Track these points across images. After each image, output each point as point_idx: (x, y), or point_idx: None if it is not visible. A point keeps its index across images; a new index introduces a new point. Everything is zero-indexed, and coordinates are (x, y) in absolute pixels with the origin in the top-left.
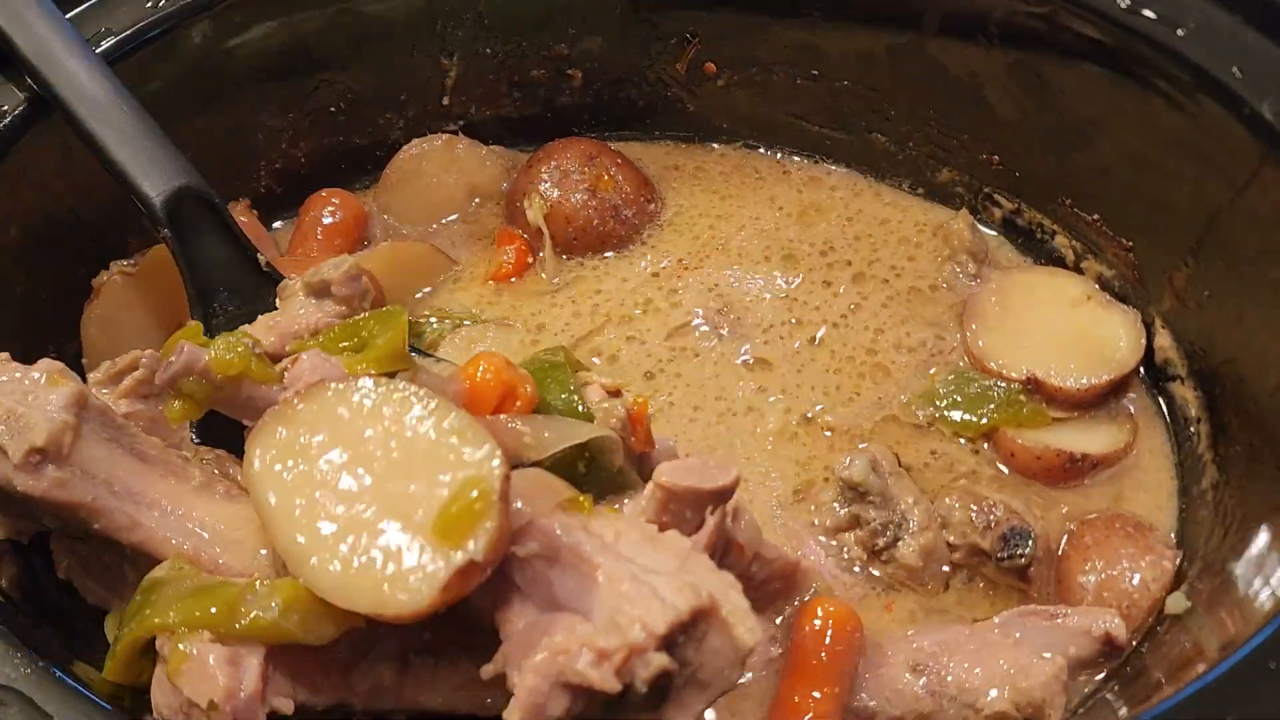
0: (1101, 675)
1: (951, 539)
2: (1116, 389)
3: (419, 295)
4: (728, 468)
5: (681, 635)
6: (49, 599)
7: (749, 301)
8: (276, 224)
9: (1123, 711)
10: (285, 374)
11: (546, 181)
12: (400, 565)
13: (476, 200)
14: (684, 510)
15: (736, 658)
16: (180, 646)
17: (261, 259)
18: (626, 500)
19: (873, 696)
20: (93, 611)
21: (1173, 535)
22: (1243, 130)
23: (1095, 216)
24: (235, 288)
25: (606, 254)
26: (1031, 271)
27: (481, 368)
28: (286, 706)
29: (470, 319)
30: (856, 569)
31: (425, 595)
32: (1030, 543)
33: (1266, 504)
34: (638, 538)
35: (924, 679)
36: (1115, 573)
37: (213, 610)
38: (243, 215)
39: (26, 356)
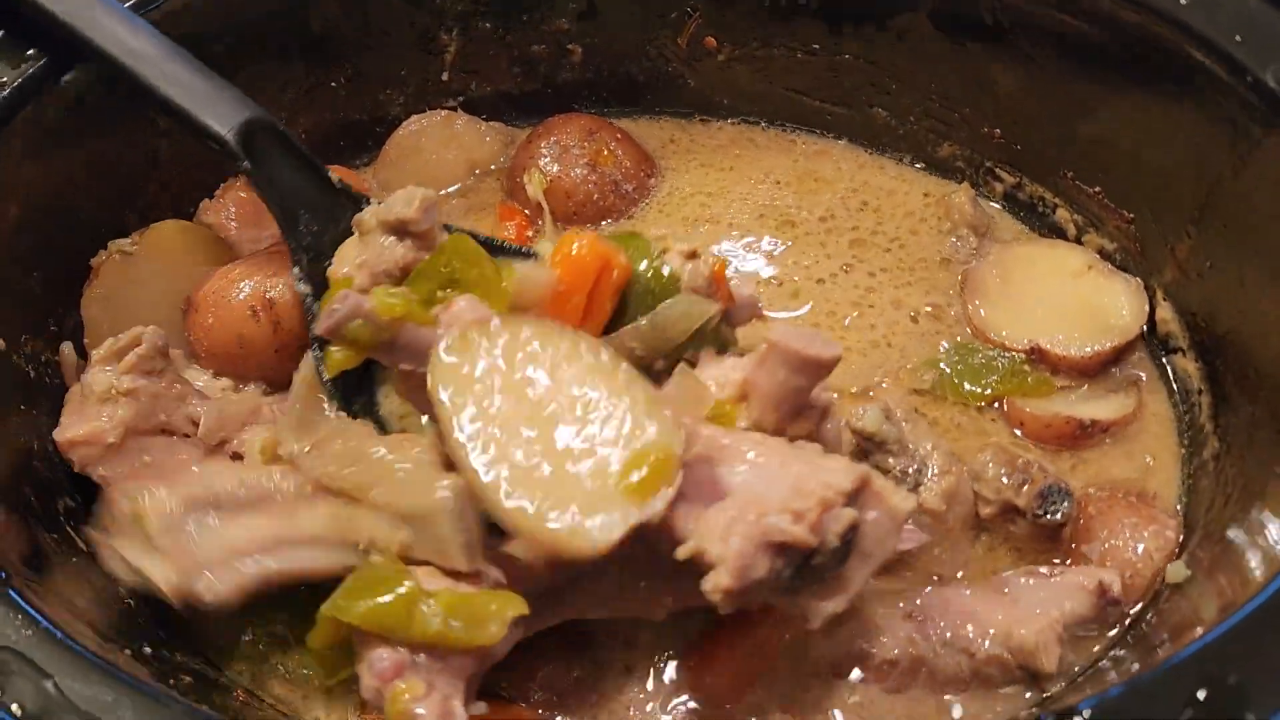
0: (1103, 642)
1: (986, 494)
2: (1121, 357)
3: None
4: (834, 343)
5: (850, 505)
6: (54, 567)
7: (744, 261)
8: None
9: (1125, 669)
10: (440, 317)
11: (546, 156)
12: (583, 516)
13: (476, 173)
14: (781, 371)
15: (894, 525)
16: (404, 706)
17: (333, 177)
18: (729, 357)
19: (867, 639)
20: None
21: (1178, 505)
22: (1245, 98)
23: (1097, 189)
24: (314, 208)
25: (605, 226)
26: (1032, 244)
27: (576, 245)
28: (481, 709)
29: None
30: None
31: (603, 544)
32: (1068, 501)
33: (1267, 473)
34: (779, 444)
35: (918, 624)
36: (1119, 543)
37: (390, 622)
38: (242, 191)
39: (27, 333)
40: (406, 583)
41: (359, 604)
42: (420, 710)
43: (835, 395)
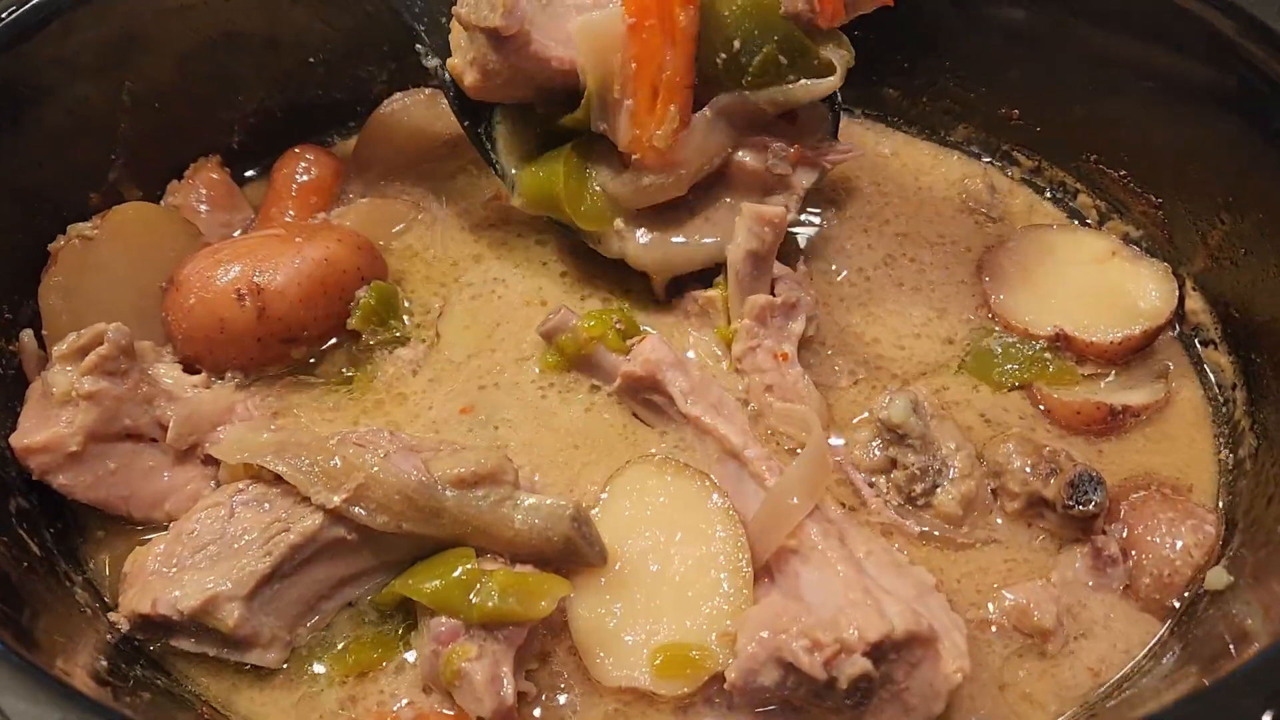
0: (1145, 651)
1: (1012, 487)
2: (1150, 344)
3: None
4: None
5: (894, 653)
6: (5, 575)
7: None
8: (249, 172)
9: (1172, 680)
10: (632, 348)
11: None
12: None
13: (456, 151)
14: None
15: (940, 690)
16: (457, 665)
17: None
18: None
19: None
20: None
21: (1218, 503)
22: None
23: (1122, 172)
24: None
25: None
26: (1050, 231)
27: None
28: (531, 689)
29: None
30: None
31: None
32: (1101, 490)
33: None
34: (887, 561)
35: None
36: (1155, 539)
37: (459, 603)
38: (213, 173)
39: None
40: (469, 564)
41: (428, 583)
42: (472, 669)
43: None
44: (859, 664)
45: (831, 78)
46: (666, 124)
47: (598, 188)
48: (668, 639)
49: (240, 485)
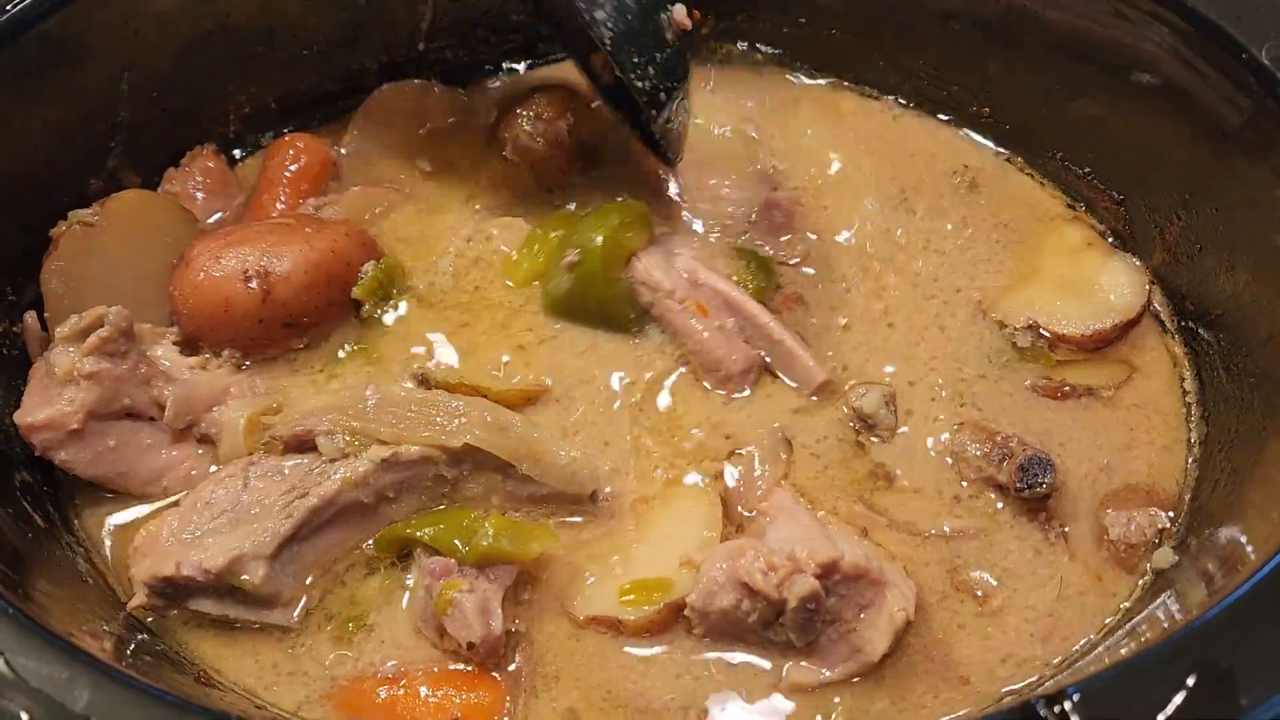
0: (1094, 631)
1: (967, 473)
2: (1121, 337)
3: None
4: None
5: (844, 587)
6: (10, 543)
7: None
8: (237, 151)
9: (1115, 655)
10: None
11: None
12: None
13: (444, 140)
14: None
15: (884, 630)
16: (449, 595)
17: None
18: None
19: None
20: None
21: (1178, 486)
22: (1241, 78)
23: (1086, 170)
24: None
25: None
26: (1027, 220)
27: None
28: (521, 628)
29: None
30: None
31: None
32: (1051, 472)
33: (1254, 459)
34: (849, 532)
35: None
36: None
37: (456, 542)
38: (209, 160)
39: None
40: (471, 515)
41: (430, 527)
42: (463, 598)
43: None
44: (808, 583)
45: None
46: None
47: None
48: (638, 577)
49: (252, 458)
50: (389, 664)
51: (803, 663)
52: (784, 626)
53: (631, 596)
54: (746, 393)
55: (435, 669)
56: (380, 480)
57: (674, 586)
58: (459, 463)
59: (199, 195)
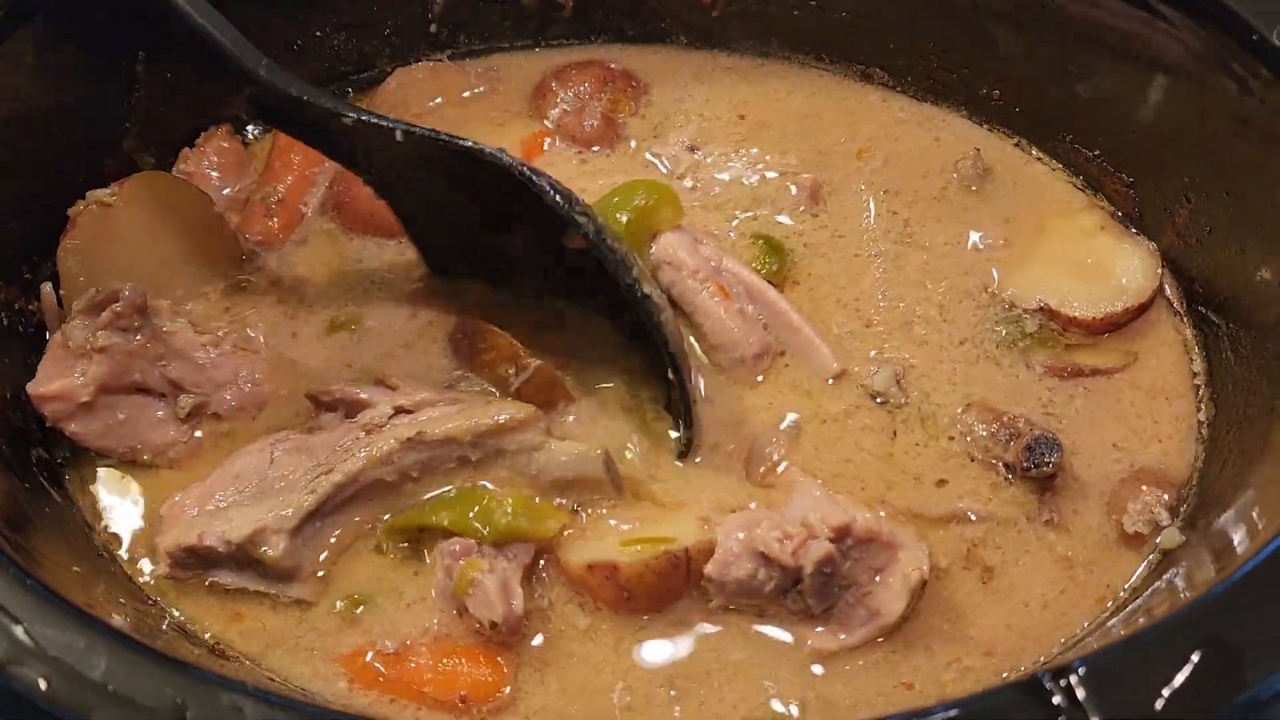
0: (1099, 608)
1: (974, 453)
2: (1132, 321)
3: None
4: None
5: (858, 551)
6: (26, 516)
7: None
8: (251, 130)
9: (1120, 632)
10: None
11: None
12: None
13: (453, 124)
14: None
15: (899, 590)
16: (470, 575)
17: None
18: None
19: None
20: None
21: (1186, 467)
22: (1248, 57)
23: (1096, 153)
24: None
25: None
26: (1040, 203)
27: None
28: (543, 604)
29: None
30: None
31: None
32: (1057, 451)
33: (1261, 440)
34: (829, 493)
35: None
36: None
37: (475, 523)
38: (224, 140)
39: (1, 280)
40: (487, 494)
41: (447, 512)
42: (484, 578)
43: None
44: (823, 546)
45: None
46: None
47: None
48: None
49: (278, 435)
50: (397, 640)
51: (819, 629)
52: (801, 594)
53: (633, 547)
54: (760, 379)
55: (442, 644)
56: (404, 459)
57: (675, 539)
58: (481, 445)
59: (214, 175)
